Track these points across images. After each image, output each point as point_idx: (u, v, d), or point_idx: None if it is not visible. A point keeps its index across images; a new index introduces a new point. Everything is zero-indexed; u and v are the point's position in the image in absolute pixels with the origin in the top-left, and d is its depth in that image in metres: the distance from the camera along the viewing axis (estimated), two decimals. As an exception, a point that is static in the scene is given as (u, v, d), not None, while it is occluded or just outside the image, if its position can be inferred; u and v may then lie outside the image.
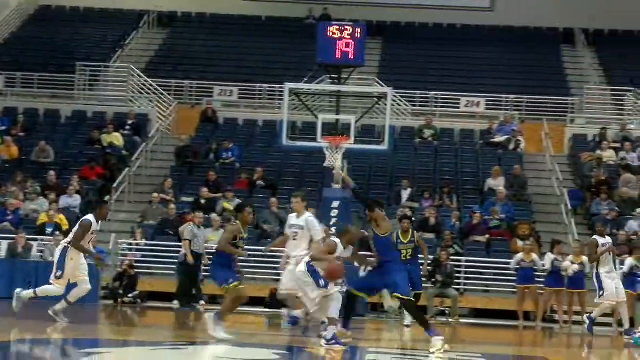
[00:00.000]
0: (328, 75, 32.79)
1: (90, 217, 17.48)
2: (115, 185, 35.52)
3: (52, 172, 35.17)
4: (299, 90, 31.38)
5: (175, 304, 28.17)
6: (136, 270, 29.35)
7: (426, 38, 48.33)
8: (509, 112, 40.70)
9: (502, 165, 35.88)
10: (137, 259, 30.51)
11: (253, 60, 44.00)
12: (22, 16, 48.70)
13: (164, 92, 41.44)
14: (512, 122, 39.59)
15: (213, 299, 27.63)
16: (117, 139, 37.81)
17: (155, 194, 33.06)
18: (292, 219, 14.99)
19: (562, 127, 40.58)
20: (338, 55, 31.39)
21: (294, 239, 15.10)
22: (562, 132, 40.50)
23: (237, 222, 15.97)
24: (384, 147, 30.70)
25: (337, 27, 31.96)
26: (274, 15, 48.22)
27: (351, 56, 31.59)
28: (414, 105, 40.25)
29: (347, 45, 31.60)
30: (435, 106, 41.55)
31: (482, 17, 48.84)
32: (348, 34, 31.80)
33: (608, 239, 23.33)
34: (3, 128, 38.36)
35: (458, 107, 42.02)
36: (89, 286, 17.96)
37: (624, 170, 34.05)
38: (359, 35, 32.09)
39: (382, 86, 34.85)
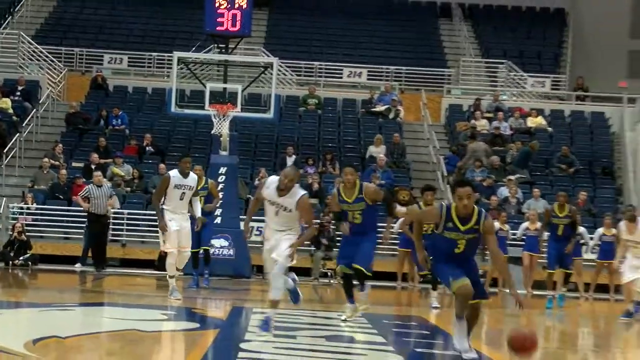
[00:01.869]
0: (216, 45, 32.42)
1: (174, 172, 17.20)
2: (5, 150, 34.34)
3: None
4: (187, 59, 31.52)
5: (78, 266, 27.70)
6: (28, 234, 28.91)
7: (311, 9, 48.33)
8: (389, 83, 40.94)
9: (383, 133, 36.11)
10: (29, 222, 30.02)
11: (143, 29, 44.38)
12: None
13: (54, 59, 40.87)
14: (392, 92, 39.88)
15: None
16: (6, 103, 37.14)
17: (46, 159, 32.64)
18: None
19: (439, 98, 40.90)
20: (225, 25, 31.31)
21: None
22: (439, 102, 40.84)
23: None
24: (269, 115, 30.77)
25: None
26: None
27: (238, 26, 31.55)
28: (298, 75, 40.59)
29: (234, 15, 31.47)
30: (319, 76, 41.65)
31: None
32: (235, 5, 31.69)
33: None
34: None
35: (341, 77, 41.97)
36: None
37: (470, 139, 34.78)
38: (245, 6, 31.94)
39: (268, 56, 35.26)
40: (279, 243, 12.02)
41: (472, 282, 8.71)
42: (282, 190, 11.59)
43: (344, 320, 14.04)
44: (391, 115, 38.59)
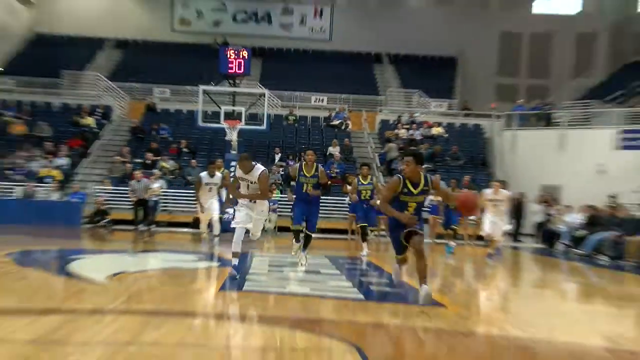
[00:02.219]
0: (227, 81, 32.48)
1: (204, 174, 18.54)
2: (90, 151, 35.12)
3: (48, 143, 34.18)
4: (209, 90, 31.67)
5: (140, 226, 27.84)
6: (106, 206, 29.12)
7: (290, 57, 47.67)
8: (341, 105, 40.80)
9: (337, 138, 36.17)
10: (106, 198, 29.92)
11: (180, 70, 42.06)
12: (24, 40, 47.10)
13: (121, 91, 40.78)
14: (343, 112, 39.87)
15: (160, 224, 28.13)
16: (91, 121, 37.02)
17: (117, 157, 32.92)
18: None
19: (374, 115, 40.77)
20: (234, 68, 31.71)
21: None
22: (374, 118, 40.72)
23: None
24: (263, 127, 31.27)
25: (232, 50, 32.68)
26: (193, 42, 47.13)
27: (242, 69, 31.87)
28: (282, 101, 40.31)
29: (239, 62, 32.19)
30: (296, 101, 41.46)
31: (324, 45, 48.71)
32: (240, 55, 32.43)
33: None
34: (10, 114, 37.25)
35: (310, 102, 42.02)
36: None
37: (387, 142, 35.87)
38: (246, 56, 32.47)
39: (262, 88, 34.71)
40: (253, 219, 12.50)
41: (417, 233, 8.67)
42: (247, 171, 12.04)
43: (302, 265, 14.18)
44: (343, 127, 38.62)
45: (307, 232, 14.98)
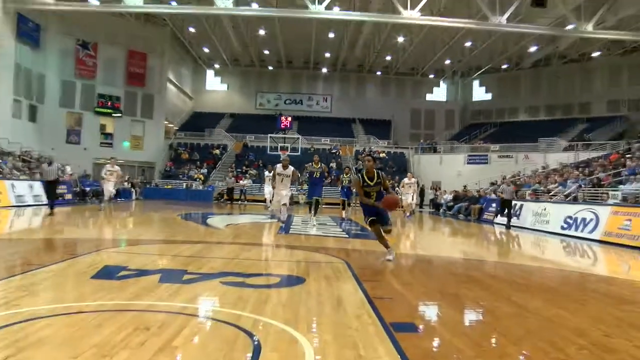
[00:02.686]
0: (281, 131, 34.77)
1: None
2: (216, 166, 36.10)
3: (198, 162, 36.29)
4: (273, 136, 33.30)
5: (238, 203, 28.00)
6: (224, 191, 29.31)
7: (311, 120, 45.75)
8: (336, 143, 40.66)
9: (334, 159, 36.60)
10: (223, 189, 29.97)
11: (259, 127, 40.80)
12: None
13: (231, 137, 40.63)
14: (337, 146, 39.94)
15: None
16: (217, 152, 38.77)
17: (229, 169, 34.04)
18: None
19: (352, 148, 40.26)
20: (284, 126, 35.02)
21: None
22: (352, 149, 40.21)
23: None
24: (298, 153, 31.28)
25: (284, 117, 35.55)
26: (265, 114, 46.01)
27: (288, 126, 35.22)
28: (307, 140, 38.50)
29: (287, 123, 35.19)
30: (314, 141, 40.17)
31: (328, 114, 47.47)
32: (287, 121, 35.36)
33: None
34: (182, 149, 38.61)
35: (321, 141, 40.84)
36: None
37: (357, 160, 39.15)
38: (290, 119, 35.66)
39: (297, 135, 35.22)
40: (284, 196, 11.83)
41: (381, 215, 7.45)
42: (284, 167, 11.61)
43: (314, 225, 12.91)
44: (337, 153, 39.11)
45: (317, 198, 14.13)
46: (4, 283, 4.80)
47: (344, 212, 17.70)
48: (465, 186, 28.41)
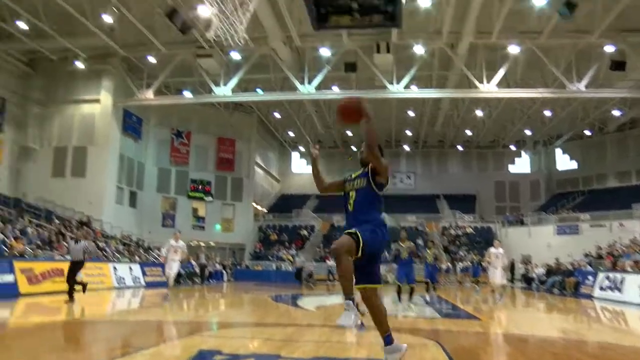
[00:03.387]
0: None
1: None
2: (304, 246, 36.46)
3: (286, 243, 36.71)
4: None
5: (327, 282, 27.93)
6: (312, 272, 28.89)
7: (397, 198, 40.75)
8: (421, 220, 39.98)
9: (419, 235, 35.63)
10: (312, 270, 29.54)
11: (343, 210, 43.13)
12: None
13: (319, 218, 40.82)
14: (423, 223, 39.18)
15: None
16: (305, 233, 38.82)
17: (317, 248, 33.83)
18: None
19: (438, 223, 39.80)
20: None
21: None
22: (438, 225, 39.64)
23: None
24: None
25: None
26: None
27: None
28: (394, 218, 37.12)
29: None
30: (401, 219, 38.94)
31: (412, 190, 46.49)
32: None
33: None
34: (270, 230, 39.08)
35: (407, 219, 39.55)
36: None
37: (442, 235, 37.94)
38: None
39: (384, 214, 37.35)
40: None
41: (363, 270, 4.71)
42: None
43: (409, 307, 11.93)
44: (424, 230, 37.89)
45: (411, 286, 12.99)
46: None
47: (427, 294, 16.24)
48: (557, 259, 27.22)
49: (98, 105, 28.93)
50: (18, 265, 14.30)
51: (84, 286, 12.86)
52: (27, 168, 28.72)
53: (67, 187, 27.98)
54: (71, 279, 12.58)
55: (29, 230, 20.55)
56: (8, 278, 13.56)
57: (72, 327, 8.61)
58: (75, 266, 12.78)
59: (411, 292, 13.03)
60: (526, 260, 31.91)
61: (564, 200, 42.02)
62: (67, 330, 8.24)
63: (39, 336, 7.36)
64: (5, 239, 17.17)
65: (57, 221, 24.78)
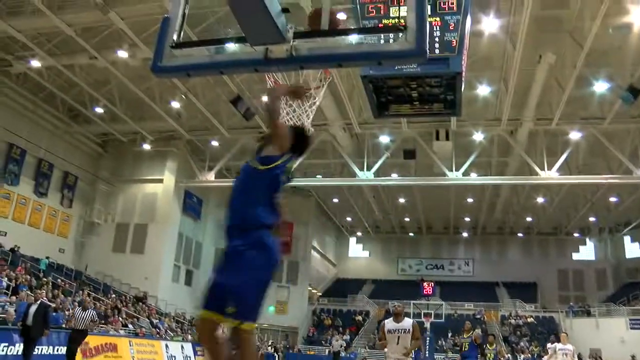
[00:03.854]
0: (425, 298, 32.91)
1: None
2: (359, 332, 35.99)
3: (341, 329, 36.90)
4: (417, 303, 31.84)
5: None
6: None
7: (453, 285, 43.79)
8: (480, 308, 38.81)
9: (478, 325, 32.86)
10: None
11: (400, 294, 38.35)
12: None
13: (374, 304, 40.22)
14: (482, 312, 38.01)
15: None
16: (360, 318, 38.11)
17: (374, 335, 33.34)
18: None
19: (497, 313, 38.40)
20: (427, 292, 33.80)
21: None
22: (497, 314, 38.59)
23: None
24: (441, 320, 31.30)
25: (425, 282, 32.72)
26: (407, 279, 45.20)
27: (431, 292, 33.44)
28: (450, 306, 37.21)
29: (430, 288, 33.91)
30: (456, 307, 38.76)
31: (470, 277, 45.55)
32: (429, 285, 34.22)
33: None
34: (324, 315, 38.92)
35: (464, 306, 39.38)
36: None
37: (502, 325, 35.18)
38: (432, 285, 34.02)
39: (442, 302, 34.39)
40: None
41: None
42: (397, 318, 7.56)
43: None
44: (482, 318, 36.55)
45: None
46: None
47: None
48: (633, 356, 26.13)
49: (161, 185, 29.92)
50: (74, 338, 14.30)
51: None
52: (90, 242, 29.77)
53: (126, 262, 28.68)
54: (74, 353, 11.41)
55: (87, 302, 20.79)
56: (64, 350, 13.34)
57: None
58: (79, 336, 11.83)
59: None
60: (595, 355, 30.54)
61: (636, 290, 39.44)
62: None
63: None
64: (65, 311, 17.56)
65: (113, 295, 25.58)
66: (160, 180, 29.95)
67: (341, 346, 28.74)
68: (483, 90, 22.99)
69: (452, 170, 26.79)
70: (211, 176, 29.20)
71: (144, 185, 30.31)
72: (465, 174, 27.22)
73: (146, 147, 29.06)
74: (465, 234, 46.98)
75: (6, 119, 24.10)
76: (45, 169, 27.12)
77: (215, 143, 28.90)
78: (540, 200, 37.13)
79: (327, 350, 32.84)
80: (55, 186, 27.96)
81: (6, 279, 17.89)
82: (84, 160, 29.66)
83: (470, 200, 37.64)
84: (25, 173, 25.85)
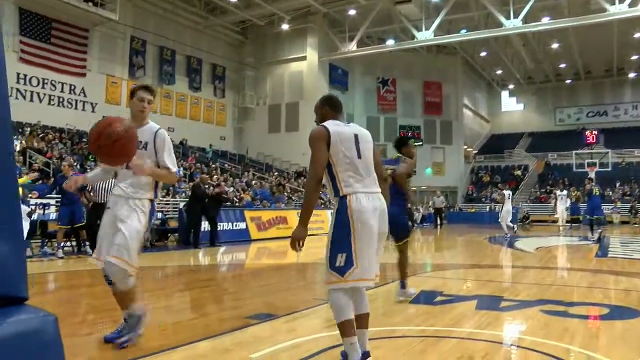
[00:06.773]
0: (588, 147, 32.51)
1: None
2: (520, 186, 36.21)
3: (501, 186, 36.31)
4: (579, 153, 30.90)
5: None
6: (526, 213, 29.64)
7: (620, 131, 39.21)
8: None
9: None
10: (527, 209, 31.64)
11: (559, 146, 38.26)
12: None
13: (532, 157, 38.92)
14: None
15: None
16: (520, 172, 37.62)
17: (535, 190, 36.58)
18: None
19: None
20: (590, 140, 33.49)
21: None
22: None
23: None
24: (608, 169, 31.19)
25: (588, 131, 31.31)
26: (566, 129, 42.67)
27: (594, 141, 32.75)
28: (618, 155, 34.57)
29: (593, 136, 32.75)
30: (626, 156, 35.81)
31: (636, 122, 40.79)
32: (592, 133, 33.15)
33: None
34: (482, 172, 39.84)
35: None
36: None
37: None
38: (596, 133, 32.37)
39: (607, 150, 33.05)
40: None
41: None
42: None
43: None
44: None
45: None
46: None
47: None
48: None
49: (305, 63, 30.47)
50: (248, 214, 15.89)
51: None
52: (247, 126, 32.07)
53: (282, 141, 30.42)
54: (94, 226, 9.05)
55: (253, 182, 23.21)
56: (241, 225, 15.36)
57: (300, 268, 9.26)
58: (99, 210, 7.95)
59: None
60: None
61: None
62: (296, 271, 8.95)
63: (273, 275, 8.26)
64: (236, 191, 19.39)
65: (275, 173, 27.64)
66: (304, 58, 30.46)
67: (443, 201, 27.39)
68: None
69: (613, 4, 23.88)
70: (353, 46, 29.16)
71: (289, 65, 31.03)
72: (632, 5, 23.87)
73: (285, 27, 29.53)
74: (632, 75, 42.44)
75: (153, 25, 26.37)
76: (195, 65, 29.23)
77: (352, 12, 28.57)
78: None
79: (487, 207, 33.24)
80: (207, 79, 30.17)
81: (182, 168, 19.99)
82: (228, 50, 31.16)
83: (637, 35, 33.46)
84: (179, 71, 28.26)
